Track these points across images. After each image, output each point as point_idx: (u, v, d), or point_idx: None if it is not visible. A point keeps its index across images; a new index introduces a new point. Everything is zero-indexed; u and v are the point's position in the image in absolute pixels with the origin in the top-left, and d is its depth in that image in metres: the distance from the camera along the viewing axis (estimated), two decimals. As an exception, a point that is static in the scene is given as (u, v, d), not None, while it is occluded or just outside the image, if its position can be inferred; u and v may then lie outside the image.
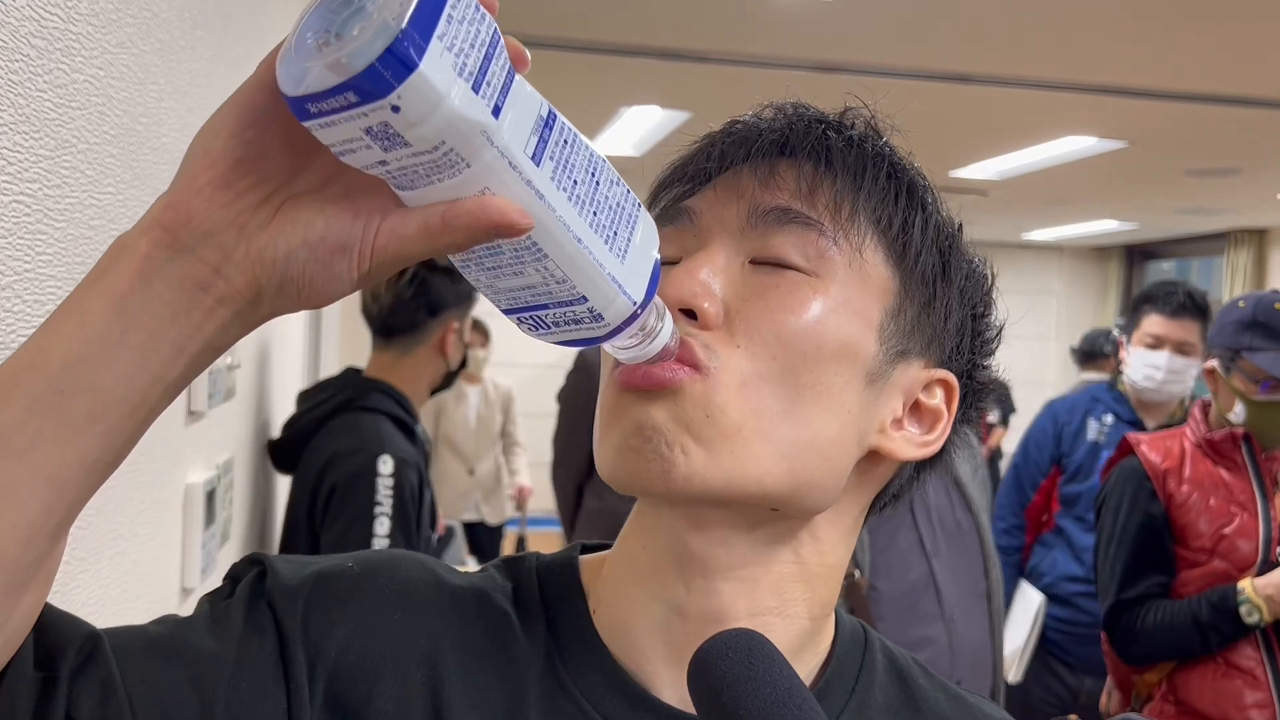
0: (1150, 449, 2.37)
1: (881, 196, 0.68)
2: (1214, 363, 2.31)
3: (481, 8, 0.49)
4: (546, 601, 0.71)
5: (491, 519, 5.61)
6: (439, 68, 0.46)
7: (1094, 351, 4.82)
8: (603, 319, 0.56)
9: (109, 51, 1.04)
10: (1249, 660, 2.22)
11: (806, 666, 0.71)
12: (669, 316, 0.61)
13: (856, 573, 2.04)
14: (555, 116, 0.53)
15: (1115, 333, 3.10)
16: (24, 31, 0.82)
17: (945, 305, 0.70)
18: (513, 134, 0.50)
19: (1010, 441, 6.09)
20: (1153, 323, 2.99)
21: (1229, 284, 10.20)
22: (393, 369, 2.34)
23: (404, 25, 0.45)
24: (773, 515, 0.66)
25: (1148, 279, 11.99)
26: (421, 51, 0.45)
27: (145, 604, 1.31)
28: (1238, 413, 2.28)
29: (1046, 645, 3.18)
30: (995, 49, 4.61)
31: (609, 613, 0.70)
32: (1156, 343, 2.99)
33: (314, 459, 2.16)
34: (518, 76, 0.51)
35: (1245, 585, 2.18)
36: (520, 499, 5.68)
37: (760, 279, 0.65)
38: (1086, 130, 6.14)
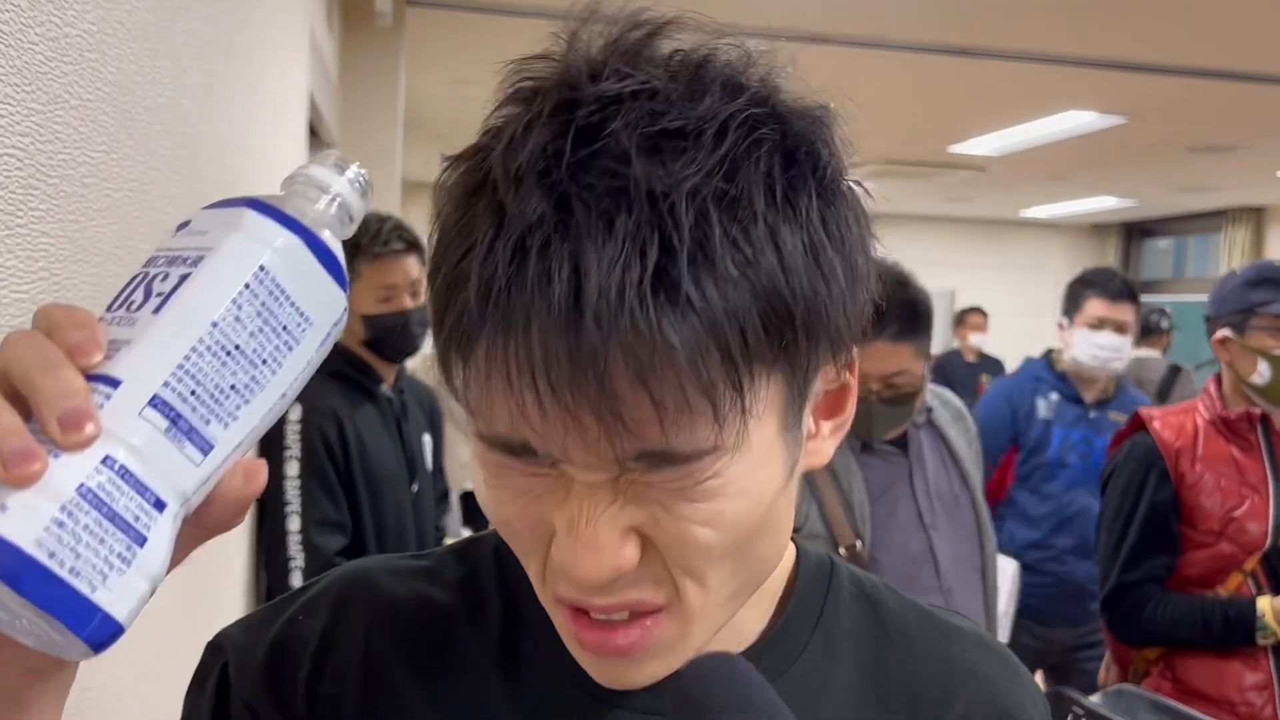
0: (1163, 426, 2.34)
1: (760, 329, 0.52)
2: (1225, 331, 2.27)
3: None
4: (507, 581, 0.71)
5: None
6: (119, 602, 0.44)
7: (1148, 327, 4.89)
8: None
9: (102, 6, 1.03)
10: None
11: (763, 601, 0.71)
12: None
13: (858, 543, 2.04)
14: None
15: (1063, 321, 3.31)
16: (15, -19, 0.81)
17: (831, 317, 0.56)
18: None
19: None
20: (1095, 306, 3.26)
21: (1226, 262, 10.20)
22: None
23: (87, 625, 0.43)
24: None
25: (1145, 257, 11.99)
26: (111, 623, 0.44)
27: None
28: (1262, 372, 2.23)
29: (1019, 608, 3.35)
30: (995, 21, 4.58)
31: None
32: (1099, 324, 3.24)
33: None
34: None
35: (1266, 609, 2.16)
36: None
37: (657, 488, 0.55)
38: (1086, 105, 6.12)
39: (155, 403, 0.45)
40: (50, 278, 0.91)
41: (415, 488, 2.66)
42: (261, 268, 0.48)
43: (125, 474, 0.44)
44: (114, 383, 0.45)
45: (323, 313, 0.51)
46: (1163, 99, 5.80)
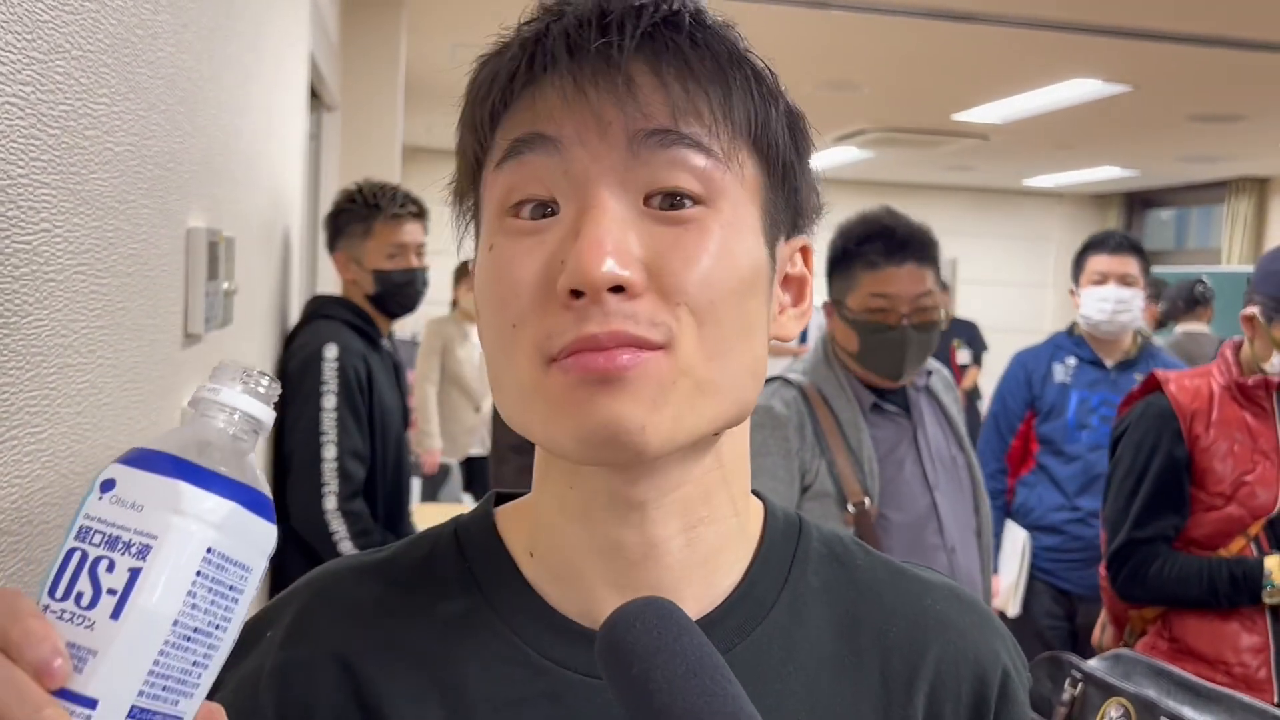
0: (1179, 389, 2.34)
1: (745, 100, 0.65)
2: (1254, 309, 2.26)
3: None
4: (467, 559, 0.72)
5: (495, 453, 5.73)
6: None
7: (1193, 299, 4.89)
8: None
9: (102, -43, 1.02)
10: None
11: (738, 558, 0.72)
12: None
13: (866, 500, 2.06)
14: None
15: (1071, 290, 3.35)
16: (15, -73, 0.80)
17: (800, 181, 0.70)
18: None
19: (986, 378, 6.12)
20: (1097, 262, 3.34)
21: (1229, 233, 10.17)
22: (347, 289, 2.89)
23: None
24: (710, 438, 0.67)
25: (1147, 227, 11.96)
26: None
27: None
28: (1275, 363, 2.25)
29: (1042, 574, 3.39)
30: (1001, -13, 4.55)
31: (549, 554, 0.70)
32: (1102, 279, 3.30)
33: (285, 355, 2.72)
34: None
35: (1274, 568, 2.17)
36: None
37: (663, 226, 0.62)
38: (1091, 73, 6.08)
39: (134, 714, 0.47)
40: (52, 229, 0.91)
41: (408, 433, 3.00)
42: (209, 550, 0.49)
43: None
44: (90, 703, 0.46)
45: (259, 556, 0.52)
46: (1168, 67, 5.76)
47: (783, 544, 0.74)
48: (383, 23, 4.90)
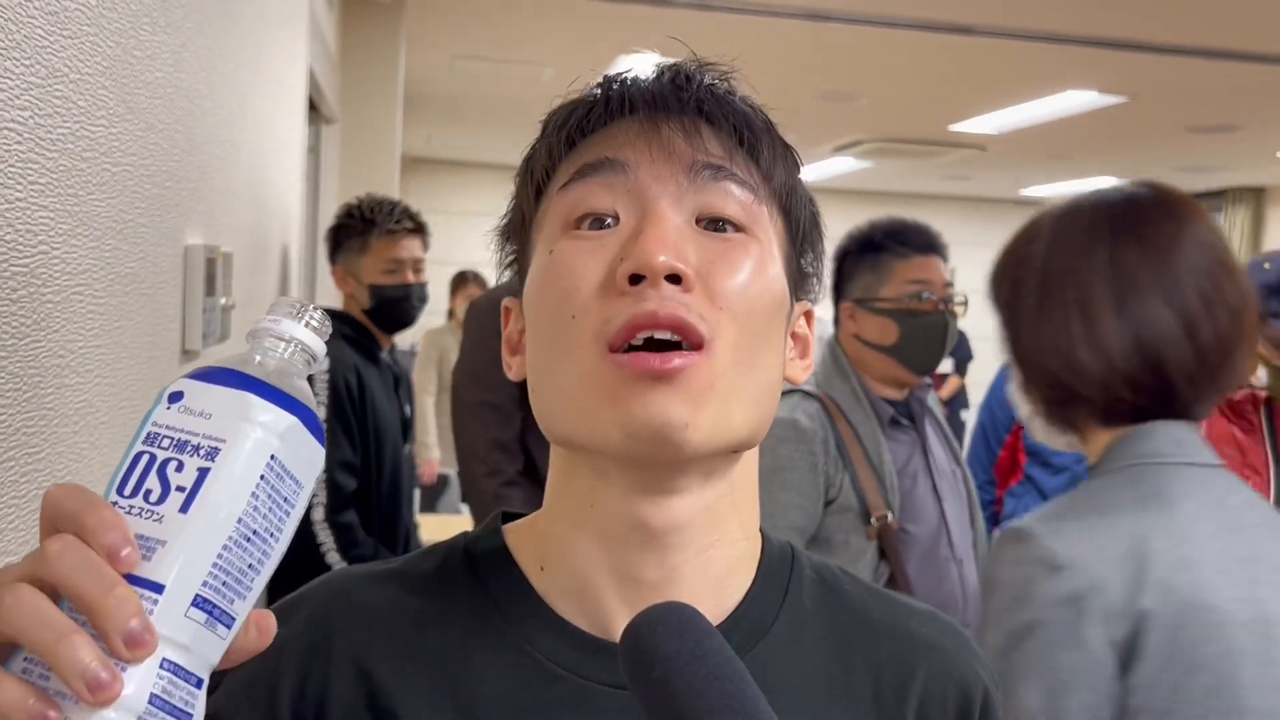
0: None
1: (781, 166, 0.74)
2: None
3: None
4: (477, 573, 0.75)
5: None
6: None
7: None
8: None
9: (101, -20, 1.03)
10: None
11: (742, 581, 0.75)
12: None
13: (889, 514, 2.07)
14: None
15: None
16: (14, -45, 0.81)
17: (814, 255, 0.79)
18: None
19: (974, 388, 6.12)
20: None
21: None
22: (346, 303, 2.90)
23: None
24: (728, 457, 0.71)
25: (1145, 236, 11.96)
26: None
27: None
28: (1260, 377, 2.25)
29: None
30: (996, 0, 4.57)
31: (561, 567, 0.73)
32: None
33: None
34: None
35: None
36: None
37: (711, 241, 0.70)
38: (1087, 84, 6.10)
39: (197, 602, 0.50)
40: (50, 251, 0.92)
41: (407, 448, 2.97)
42: (273, 456, 0.53)
43: (177, 670, 0.49)
44: (158, 588, 0.49)
45: (310, 475, 0.56)
46: (1163, 79, 5.78)
47: (779, 568, 0.78)
48: (382, 35, 4.92)
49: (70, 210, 0.97)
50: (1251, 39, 4.90)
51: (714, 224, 0.70)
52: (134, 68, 1.16)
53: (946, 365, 6.87)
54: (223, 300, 1.69)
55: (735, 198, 0.70)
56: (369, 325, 2.85)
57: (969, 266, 11.43)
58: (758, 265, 0.70)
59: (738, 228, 0.70)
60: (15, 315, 0.85)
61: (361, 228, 2.82)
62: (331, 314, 2.82)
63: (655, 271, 0.65)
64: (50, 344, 0.93)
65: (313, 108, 3.82)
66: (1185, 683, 1.14)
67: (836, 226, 2.30)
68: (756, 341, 0.69)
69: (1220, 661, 1.14)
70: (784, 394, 2.18)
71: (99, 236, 1.06)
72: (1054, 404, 1.30)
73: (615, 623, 0.70)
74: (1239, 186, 10.05)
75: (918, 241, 2.20)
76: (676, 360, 0.65)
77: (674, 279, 0.66)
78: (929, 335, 2.18)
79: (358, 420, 2.69)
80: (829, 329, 2.39)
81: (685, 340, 0.66)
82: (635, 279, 0.66)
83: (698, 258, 0.68)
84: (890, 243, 2.20)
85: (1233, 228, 10.10)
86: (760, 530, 0.79)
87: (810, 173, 10.88)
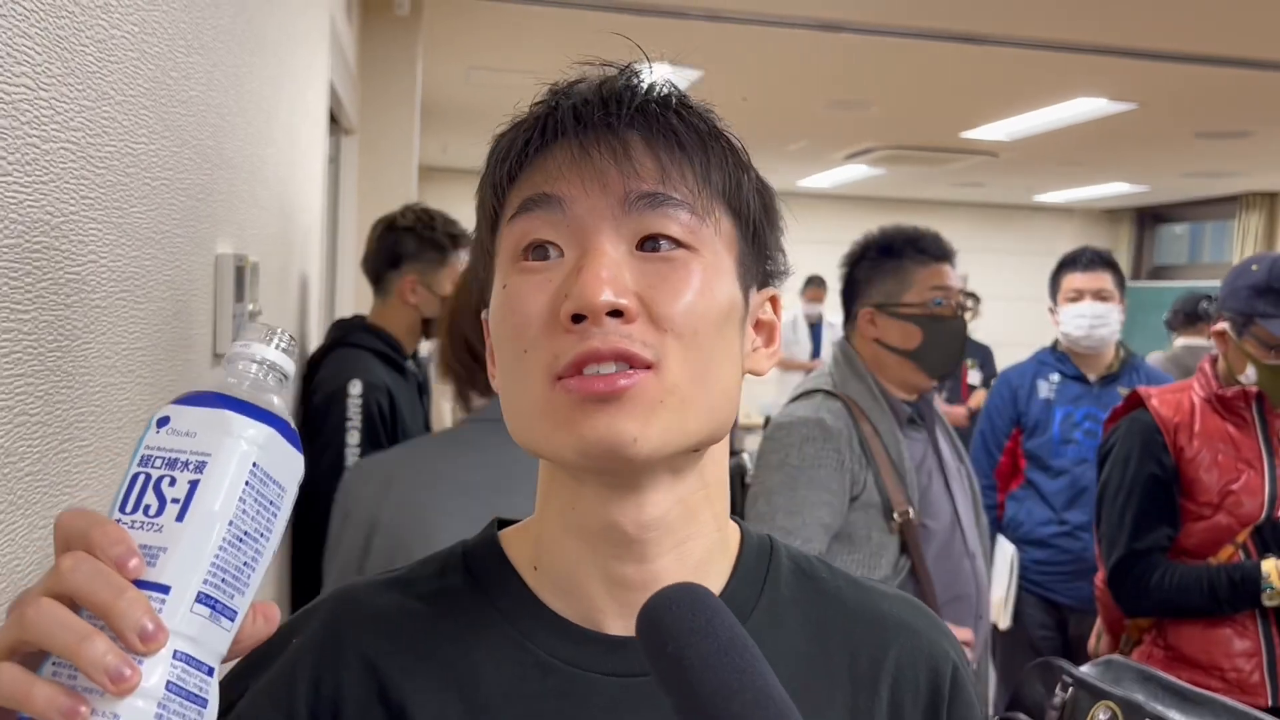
0: (1161, 403, 2.41)
1: (721, 167, 0.76)
2: (1224, 325, 2.33)
3: None
4: (475, 575, 0.80)
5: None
6: None
7: (1195, 314, 4.92)
8: None
9: (142, 9, 1.10)
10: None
11: (720, 570, 0.80)
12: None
13: (910, 510, 2.13)
14: None
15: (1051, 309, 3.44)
16: (69, -10, 0.89)
17: (769, 241, 0.81)
18: None
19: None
20: (1071, 279, 3.42)
21: (1240, 247, 10.19)
22: (379, 312, 2.85)
23: None
24: (692, 455, 0.75)
25: (1159, 242, 11.97)
26: None
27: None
28: (1249, 375, 2.31)
29: (1033, 587, 3.45)
30: (1006, 9, 4.62)
31: (552, 567, 0.78)
32: (1078, 295, 3.39)
33: (308, 387, 2.71)
34: None
35: (1271, 571, 2.22)
36: None
37: (652, 264, 0.72)
38: (1097, 92, 6.14)
39: (201, 598, 0.57)
40: (98, 260, 0.99)
41: None
42: (255, 464, 0.59)
43: (189, 659, 0.56)
44: (164, 589, 0.56)
45: (292, 479, 0.63)
46: (1172, 86, 5.82)
47: (757, 559, 0.83)
48: (400, 48, 4.99)
49: (115, 222, 1.04)
50: (1260, 46, 4.94)
51: (656, 243, 0.72)
52: (170, 88, 1.24)
53: (976, 377, 6.93)
54: (250, 306, 1.77)
55: (674, 219, 0.72)
56: (408, 335, 2.84)
57: (984, 272, 11.51)
58: (702, 283, 0.72)
59: (680, 245, 0.72)
60: (69, 319, 0.92)
61: (445, 242, 2.80)
62: (362, 327, 2.83)
63: (596, 311, 0.68)
64: (99, 345, 1.00)
65: (333, 119, 3.90)
66: None
67: (849, 232, 2.36)
68: (705, 355, 0.72)
69: None
70: (807, 394, 2.25)
71: (139, 246, 1.13)
72: None
73: (604, 616, 0.76)
74: (1253, 192, 10.05)
75: (934, 249, 2.26)
76: (621, 381, 0.68)
77: (615, 313, 0.69)
78: (950, 340, 2.23)
79: (389, 440, 2.71)
80: (838, 332, 2.45)
81: (632, 366, 0.69)
82: (577, 318, 0.69)
83: (639, 284, 0.71)
84: (910, 250, 2.26)
85: (1246, 234, 10.10)
86: (738, 522, 0.84)
87: (823, 179, 10.90)
